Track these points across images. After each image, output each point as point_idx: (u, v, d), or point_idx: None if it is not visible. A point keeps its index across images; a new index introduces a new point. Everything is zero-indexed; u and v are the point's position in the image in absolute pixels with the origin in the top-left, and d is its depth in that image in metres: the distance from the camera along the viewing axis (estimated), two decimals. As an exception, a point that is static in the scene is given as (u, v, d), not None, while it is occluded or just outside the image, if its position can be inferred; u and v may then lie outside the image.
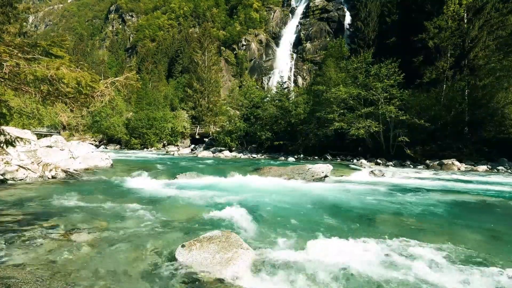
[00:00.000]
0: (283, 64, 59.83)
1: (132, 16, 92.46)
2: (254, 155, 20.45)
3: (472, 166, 12.25)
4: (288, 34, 64.73)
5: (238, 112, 27.30)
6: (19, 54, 2.58)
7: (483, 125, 14.24)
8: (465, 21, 16.17)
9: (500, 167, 11.58)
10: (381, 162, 14.34)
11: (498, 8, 15.77)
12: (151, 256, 2.64)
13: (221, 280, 2.21)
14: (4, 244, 2.74)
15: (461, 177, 9.38)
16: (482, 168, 11.70)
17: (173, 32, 74.35)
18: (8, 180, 6.43)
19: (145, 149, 29.78)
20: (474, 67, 15.50)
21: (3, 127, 3.68)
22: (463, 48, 16.04)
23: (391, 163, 14.16)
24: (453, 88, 15.57)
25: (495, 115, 14.09)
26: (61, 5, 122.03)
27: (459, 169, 11.83)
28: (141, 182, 7.00)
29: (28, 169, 6.86)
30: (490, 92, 14.29)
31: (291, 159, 17.07)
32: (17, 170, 6.64)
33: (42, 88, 2.85)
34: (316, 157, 17.95)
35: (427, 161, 13.47)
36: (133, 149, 30.17)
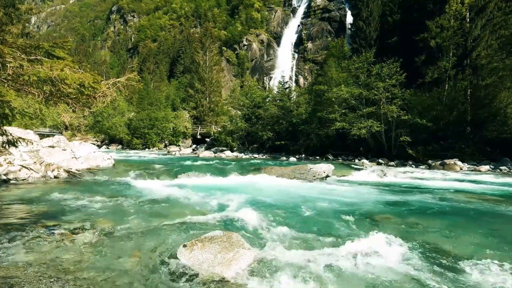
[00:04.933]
0: (284, 64, 59.72)
1: (133, 17, 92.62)
2: (256, 155, 20.46)
3: (475, 166, 12.19)
4: (290, 34, 64.61)
5: (239, 112, 27.33)
6: (22, 55, 2.59)
7: (485, 125, 14.16)
8: (468, 20, 16.09)
9: (502, 167, 11.52)
10: (383, 162, 14.30)
11: (500, 7, 15.68)
12: (152, 256, 2.65)
13: (223, 280, 2.22)
14: (7, 243, 2.76)
15: (464, 177, 9.33)
16: (484, 168, 11.64)
17: (174, 32, 74.40)
18: (11, 180, 6.47)
19: (147, 149, 29.86)
20: (477, 66, 15.42)
21: (5, 127, 3.71)
22: (466, 47, 15.96)
23: (393, 163, 14.11)
24: (455, 87, 15.50)
25: (497, 114, 14.01)
26: (63, 5, 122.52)
27: (462, 169, 11.78)
28: (142, 182, 7.02)
29: (31, 169, 6.90)
30: (492, 92, 14.21)
31: (292, 159, 17.06)
32: (19, 170, 6.68)
33: (44, 89, 2.87)
34: (318, 157, 17.93)
35: (429, 161, 13.42)
36: (134, 149, 30.25)
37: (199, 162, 12.78)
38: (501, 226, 3.87)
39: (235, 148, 24.36)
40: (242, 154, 21.54)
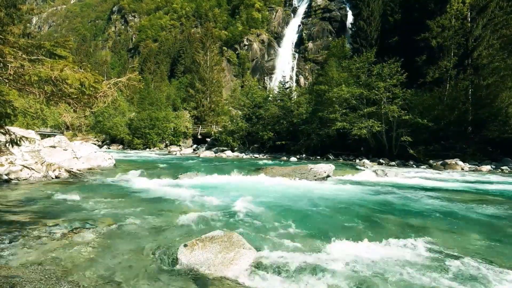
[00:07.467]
0: (285, 64, 59.72)
1: (134, 17, 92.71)
2: (256, 155, 20.46)
3: (476, 166, 12.17)
4: (290, 34, 64.61)
5: (240, 112, 27.34)
6: (23, 55, 2.60)
7: (486, 124, 14.14)
8: (469, 20, 16.07)
9: (504, 167, 11.50)
10: (384, 162, 14.28)
11: (502, 7, 15.66)
12: (153, 256, 2.65)
13: (223, 280, 2.22)
14: (9, 243, 2.77)
15: (465, 177, 9.31)
16: (485, 168, 11.62)
17: (175, 33, 74.49)
18: (12, 180, 6.49)
19: (148, 149, 29.90)
20: (478, 66, 15.39)
21: (8, 127, 3.72)
22: (467, 47, 15.93)
23: (394, 163, 14.09)
24: (456, 87, 15.47)
25: (499, 114, 13.98)
26: (64, 6, 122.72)
27: (463, 169, 11.75)
28: (143, 182, 7.03)
29: (32, 169, 6.91)
30: (494, 92, 14.18)
31: (293, 159, 17.05)
32: (21, 170, 6.70)
33: (46, 88, 2.88)
34: (318, 157, 17.92)
35: (430, 161, 13.40)
36: (135, 149, 30.30)
37: (199, 162, 12.80)
38: (502, 227, 3.86)
39: (235, 148, 24.36)
40: (243, 154, 21.55)
